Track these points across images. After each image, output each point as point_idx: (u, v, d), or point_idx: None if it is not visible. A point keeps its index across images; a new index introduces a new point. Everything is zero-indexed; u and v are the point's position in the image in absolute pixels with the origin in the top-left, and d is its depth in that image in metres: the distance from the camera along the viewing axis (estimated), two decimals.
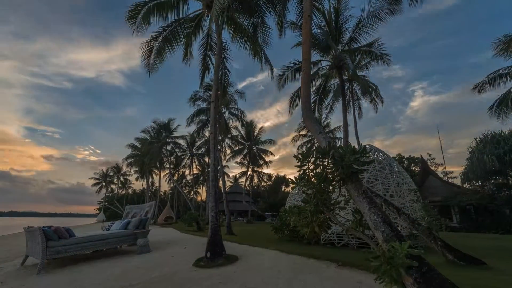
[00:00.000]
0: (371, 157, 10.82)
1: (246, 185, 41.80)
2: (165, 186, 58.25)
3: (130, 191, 61.10)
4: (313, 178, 3.64)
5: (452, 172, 35.35)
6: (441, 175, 30.61)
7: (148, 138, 35.59)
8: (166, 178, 46.53)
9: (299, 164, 3.77)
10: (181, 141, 38.04)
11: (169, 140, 35.86)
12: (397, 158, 33.32)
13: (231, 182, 53.13)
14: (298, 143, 31.52)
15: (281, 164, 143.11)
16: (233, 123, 28.17)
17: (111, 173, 56.01)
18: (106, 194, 56.71)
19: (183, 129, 72.92)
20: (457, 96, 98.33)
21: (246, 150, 36.38)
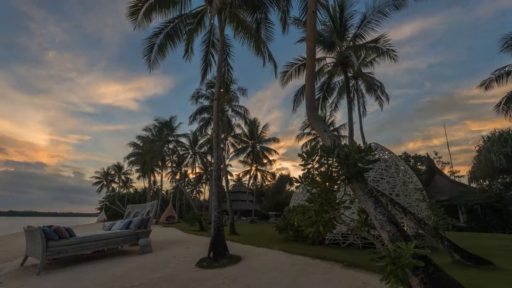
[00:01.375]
0: (377, 156, 10.66)
1: (250, 184, 41.70)
2: (167, 185, 58.59)
3: (131, 190, 61.24)
4: (317, 177, 3.58)
5: (459, 171, 35.03)
6: (448, 174, 30.27)
7: (149, 136, 35.46)
8: (168, 177, 46.46)
9: (303, 162, 3.70)
10: (183, 140, 37.97)
11: (171, 139, 35.77)
12: (403, 156, 32.98)
13: (234, 181, 53.01)
14: (303, 141, 31.49)
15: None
16: (236, 121, 28.02)
17: (112, 172, 55.81)
18: (107, 193, 56.67)
19: (185, 127, 73.10)
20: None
21: (249, 149, 36.21)
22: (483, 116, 68.42)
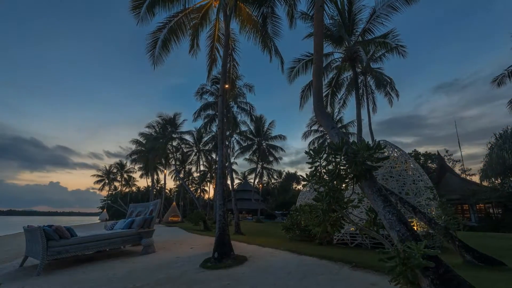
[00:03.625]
0: (386, 153, 10.46)
1: (255, 183, 41.40)
2: (170, 184, 58.35)
3: (134, 188, 60.95)
4: (325, 175, 3.56)
5: (470, 169, 34.19)
6: (459, 172, 29.62)
7: (153, 133, 34.95)
8: (172, 176, 46.12)
9: (310, 160, 3.67)
10: (187, 137, 37.37)
11: (175, 136, 35.18)
12: (413, 154, 32.39)
13: (239, 179, 52.71)
14: (310, 138, 31.02)
15: None
16: (242, 118, 27.47)
17: (115, 170, 55.50)
18: (109, 192, 56.48)
19: (190, 124, 72.63)
20: None
21: (255, 146, 35.91)
22: None
